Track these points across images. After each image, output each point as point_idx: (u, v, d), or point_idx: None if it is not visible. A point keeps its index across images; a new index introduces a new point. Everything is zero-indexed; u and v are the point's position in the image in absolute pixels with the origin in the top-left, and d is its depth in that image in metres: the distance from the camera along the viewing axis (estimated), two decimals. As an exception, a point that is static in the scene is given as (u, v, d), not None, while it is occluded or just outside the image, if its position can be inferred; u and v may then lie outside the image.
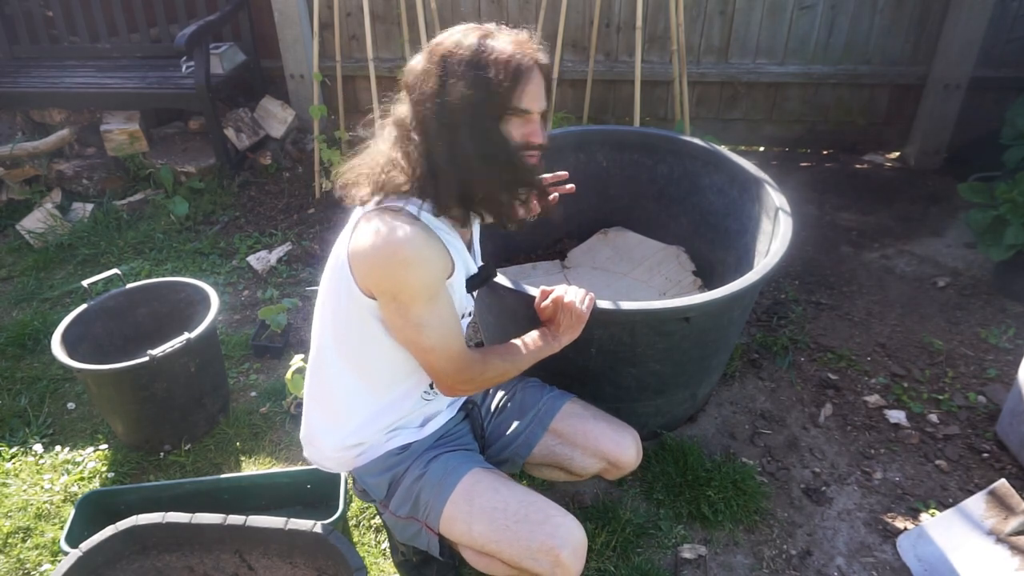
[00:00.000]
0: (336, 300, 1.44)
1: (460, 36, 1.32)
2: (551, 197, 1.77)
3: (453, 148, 1.31)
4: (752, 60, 3.61)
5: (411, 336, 1.38)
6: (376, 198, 1.38)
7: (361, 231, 1.35)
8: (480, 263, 1.57)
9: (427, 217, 1.35)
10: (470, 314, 1.58)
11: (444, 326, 1.39)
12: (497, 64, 1.28)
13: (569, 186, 1.80)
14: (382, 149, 1.39)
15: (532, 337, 1.58)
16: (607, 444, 1.64)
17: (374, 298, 1.37)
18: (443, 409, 1.63)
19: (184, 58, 3.70)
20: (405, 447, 1.54)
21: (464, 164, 1.32)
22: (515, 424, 1.68)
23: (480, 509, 1.42)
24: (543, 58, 1.35)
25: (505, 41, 1.31)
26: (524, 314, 1.69)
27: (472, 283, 1.50)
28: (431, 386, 1.56)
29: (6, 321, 2.91)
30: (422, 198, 1.35)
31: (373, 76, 3.37)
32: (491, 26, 1.35)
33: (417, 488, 1.49)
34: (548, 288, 1.63)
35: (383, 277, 1.34)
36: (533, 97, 1.32)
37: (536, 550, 1.36)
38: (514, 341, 1.57)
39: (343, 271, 1.39)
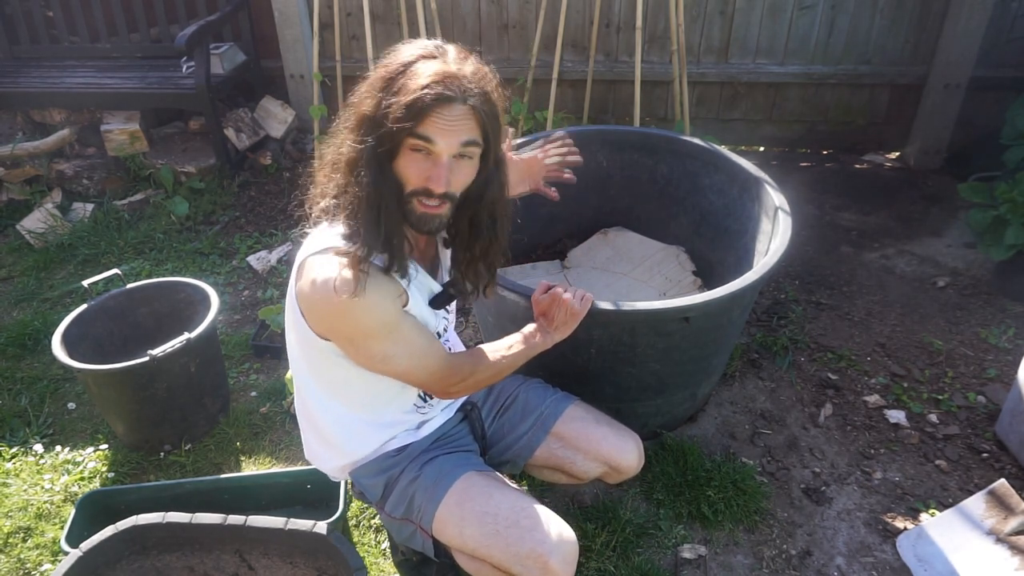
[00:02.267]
0: (299, 338, 1.40)
1: (402, 52, 1.23)
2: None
3: (353, 175, 1.23)
4: (752, 60, 3.61)
5: (381, 368, 1.36)
6: (324, 226, 1.32)
7: (303, 278, 1.28)
8: (447, 279, 1.51)
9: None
10: (446, 329, 1.55)
11: (412, 349, 1.35)
12: (403, 90, 1.17)
13: (567, 178, 1.79)
14: (338, 163, 1.29)
15: (524, 333, 1.57)
16: (609, 449, 1.63)
17: (329, 340, 1.33)
18: (439, 413, 1.62)
19: (184, 58, 3.70)
20: (401, 449, 1.54)
21: (359, 198, 1.23)
22: (517, 426, 1.68)
23: (472, 513, 1.41)
24: (471, 98, 1.19)
25: (432, 69, 1.18)
26: (524, 315, 1.69)
27: (437, 302, 1.45)
28: (424, 398, 1.55)
29: (6, 321, 2.91)
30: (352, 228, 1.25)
31: (373, 76, 3.37)
32: (443, 49, 1.24)
33: (412, 490, 1.49)
34: (550, 283, 1.63)
35: (331, 325, 1.30)
36: (439, 129, 1.18)
37: (525, 556, 1.34)
38: (506, 338, 1.56)
39: (297, 314, 1.35)
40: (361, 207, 1.23)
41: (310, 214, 1.35)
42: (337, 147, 1.28)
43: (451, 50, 1.24)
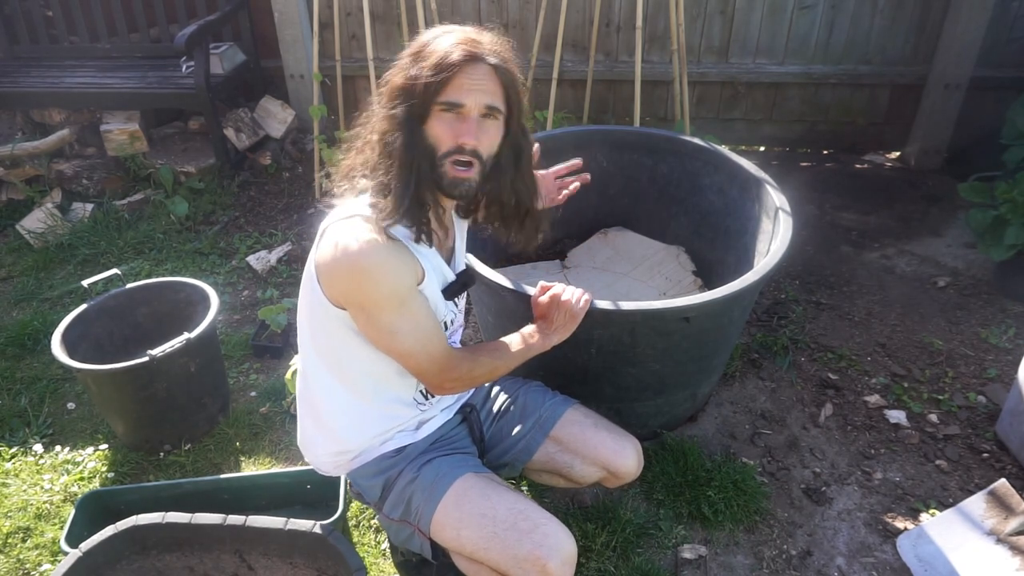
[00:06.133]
0: (311, 312, 1.43)
1: (430, 31, 1.33)
2: (559, 194, 1.85)
3: (385, 144, 1.30)
4: (752, 60, 3.61)
5: (386, 343, 1.37)
6: (349, 199, 1.37)
7: (324, 242, 1.33)
8: (461, 269, 1.55)
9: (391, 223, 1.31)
10: (452, 322, 1.56)
11: (419, 330, 1.36)
12: (431, 55, 1.27)
13: (579, 178, 1.82)
14: (370, 139, 1.36)
15: (524, 333, 1.57)
16: (607, 453, 1.62)
17: (344, 308, 1.35)
18: (438, 413, 1.62)
19: (184, 58, 3.70)
20: (400, 450, 1.54)
21: (390, 164, 1.30)
22: (516, 429, 1.67)
23: (469, 515, 1.41)
24: (491, 57, 1.28)
25: (456, 37, 1.29)
26: (524, 314, 1.69)
27: (450, 291, 1.48)
28: (425, 395, 1.55)
29: (6, 321, 2.91)
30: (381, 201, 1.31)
31: (373, 76, 3.37)
32: (468, 29, 1.33)
33: (409, 491, 1.49)
34: (548, 284, 1.63)
35: (346, 289, 1.32)
36: (466, 90, 1.27)
37: (523, 559, 1.34)
38: (505, 338, 1.56)
39: (313, 283, 1.37)
40: (393, 170, 1.29)
41: (335, 191, 1.40)
42: (369, 123, 1.36)
43: (470, 28, 1.35)
